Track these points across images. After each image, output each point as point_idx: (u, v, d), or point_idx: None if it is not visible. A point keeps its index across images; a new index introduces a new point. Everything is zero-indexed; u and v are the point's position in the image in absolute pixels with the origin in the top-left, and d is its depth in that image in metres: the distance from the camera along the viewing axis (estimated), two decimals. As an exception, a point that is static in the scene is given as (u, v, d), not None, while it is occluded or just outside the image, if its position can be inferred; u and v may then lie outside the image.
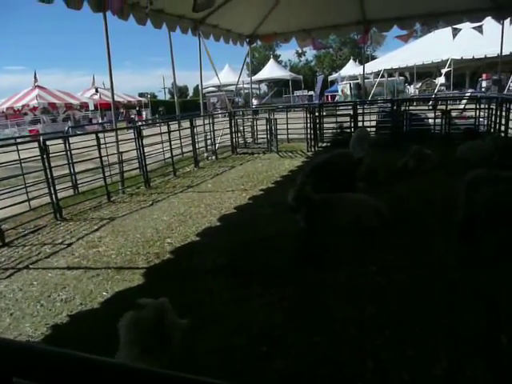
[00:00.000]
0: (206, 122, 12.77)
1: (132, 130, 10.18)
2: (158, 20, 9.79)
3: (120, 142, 8.88)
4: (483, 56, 22.76)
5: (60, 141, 8.75)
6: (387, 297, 3.58)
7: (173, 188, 8.95)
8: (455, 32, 13.11)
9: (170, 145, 10.40)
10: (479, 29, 12.91)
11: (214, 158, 12.39)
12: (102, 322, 3.57)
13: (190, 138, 11.17)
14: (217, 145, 12.83)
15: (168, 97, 59.37)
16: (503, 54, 13.70)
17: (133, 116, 30.97)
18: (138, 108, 33.25)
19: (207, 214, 6.66)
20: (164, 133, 10.84)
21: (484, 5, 11.59)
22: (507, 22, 12.11)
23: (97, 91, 32.74)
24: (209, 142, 12.65)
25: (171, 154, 10.39)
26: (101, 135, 8.61)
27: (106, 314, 3.75)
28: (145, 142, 9.47)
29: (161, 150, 10.94)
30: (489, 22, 12.98)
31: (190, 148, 11.32)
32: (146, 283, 4.34)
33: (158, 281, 4.36)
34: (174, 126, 12.47)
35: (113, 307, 3.86)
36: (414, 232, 5.05)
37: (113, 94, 9.04)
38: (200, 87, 14.48)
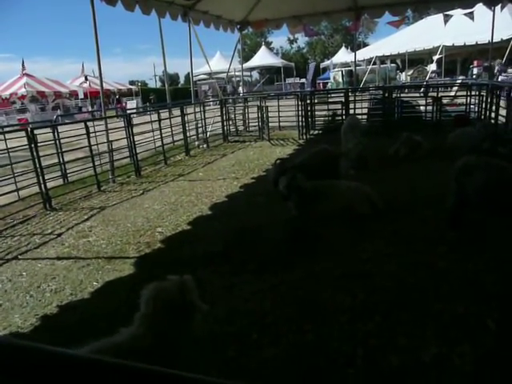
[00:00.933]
0: (197, 109, 12.67)
1: (122, 119, 10.08)
2: (146, 6, 9.60)
3: (110, 131, 8.79)
4: (474, 43, 22.76)
5: (49, 130, 8.64)
6: (378, 284, 3.60)
7: (164, 177, 8.89)
8: (446, 18, 13.06)
9: (161, 133, 10.30)
10: (470, 15, 12.86)
11: (205, 146, 12.32)
12: (92, 312, 3.56)
13: (181, 127, 11.08)
14: (208, 133, 12.73)
15: (159, 85, 58.82)
16: (494, 40, 13.68)
17: (124, 104, 30.61)
18: (118, 96, 32.24)
19: (198, 203, 6.64)
20: (154, 121, 10.75)
21: (475, -9, 11.56)
22: (498, 8, 12.07)
23: (86, 79, 32.37)
24: (200, 130, 12.56)
25: (162, 142, 10.31)
26: (90, 124, 8.50)
27: (97, 303, 3.75)
28: (135, 130, 9.38)
29: (151, 138, 10.85)
30: (480, 9, 12.94)
31: (181, 136, 11.24)
32: (137, 272, 4.32)
33: (148, 270, 4.33)
34: (164, 114, 12.36)
35: (103, 297, 3.86)
36: (405, 219, 5.07)
37: (101, 82, 8.91)
38: (190, 75, 14.34)
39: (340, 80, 32.94)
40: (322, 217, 5.11)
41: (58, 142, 8.35)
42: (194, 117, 12.40)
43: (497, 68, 23.34)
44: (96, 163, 8.26)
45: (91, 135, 8.14)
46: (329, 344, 2.89)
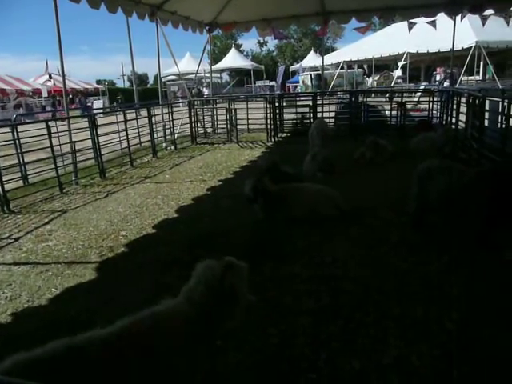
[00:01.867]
0: (165, 111, 12.50)
1: (86, 119, 9.82)
2: (112, 4, 9.36)
3: (74, 131, 8.54)
4: (437, 50, 23.52)
5: (8, 129, 8.31)
6: (341, 287, 3.63)
7: (129, 179, 8.71)
8: (411, 26, 13.44)
9: (127, 134, 10.09)
10: (433, 24, 13.28)
11: (172, 147, 12.17)
12: (49, 320, 3.43)
13: (148, 128, 10.90)
14: (176, 134, 12.59)
15: (127, 84, 57.81)
16: (455, 49, 14.18)
17: (89, 104, 29.89)
18: (71, 96, 30.95)
19: (164, 206, 6.53)
20: (121, 122, 10.52)
21: (437, 0, 11.95)
22: (459, 17, 12.52)
23: (50, 77, 31.47)
24: (168, 131, 12.40)
25: (128, 143, 10.10)
26: (52, 124, 8.24)
27: (55, 311, 3.61)
28: (101, 130, 9.15)
29: (118, 139, 10.62)
30: (442, 18, 13.38)
31: (149, 138, 11.06)
32: (98, 278, 4.20)
33: (111, 275, 4.23)
34: (132, 114, 12.15)
35: (62, 304, 3.72)
36: (369, 222, 5.15)
37: (64, 80, 8.69)
38: (158, 75, 14.14)
39: (309, 83, 33.36)
40: (288, 220, 5.12)
41: (17, 142, 8.03)
42: (161, 118, 12.23)
43: (443, 75, 24.33)
44: (58, 164, 8.00)
45: (54, 135, 7.88)
46: (292, 348, 2.88)
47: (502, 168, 4.16)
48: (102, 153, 9.06)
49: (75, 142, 8.45)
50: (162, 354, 1.91)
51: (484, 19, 13.15)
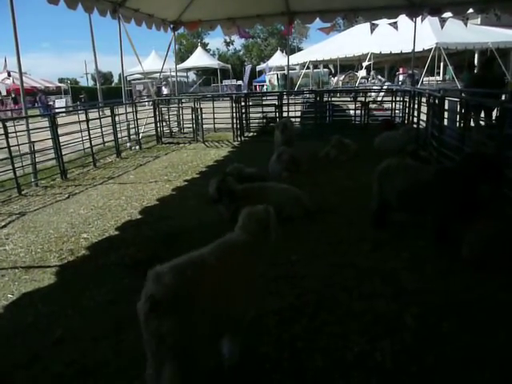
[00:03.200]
0: (130, 110, 12.26)
1: (46, 118, 9.50)
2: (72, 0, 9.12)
3: (34, 131, 8.24)
4: (399, 51, 24.09)
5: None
6: (306, 286, 3.65)
7: (92, 180, 8.49)
8: (373, 27, 13.77)
9: (89, 134, 9.82)
10: (395, 25, 13.63)
11: (137, 147, 11.95)
12: (4, 326, 3.29)
13: (112, 127, 10.66)
14: (140, 134, 12.36)
15: (91, 83, 56.47)
16: (416, 50, 14.59)
17: (51, 103, 28.94)
18: (14, 95, 28.29)
19: (128, 207, 6.40)
20: (83, 121, 10.24)
21: (399, 2, 12.28)
22: (419, 20, 12.90)
23: (9, 75, 30.25)
24: (132, 131, 12.16)
25: (90, 143, 9.84)
26: (9, 123, 7.92)
27: (11, 317, 3.47)
28: (63, 130, 8.87)
29: (80, 139, 10.33)
30: (404, 20, 13.73)
31: (113, 137, 10.81)
32: (58, 282, 4.06)
33: (71, 279, 4.10)
34: (96, 113, 11.86)
35: (19, 310, 3.58)
36: (333, 220, 5.22)
37: (21, 78, 8.37)
38: (122, 74, 13.83)
39: (275, 83, 33.53)
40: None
41: (-29, 142, 7.68)
42: (125, 117, 11.98)
43: (401, 77, 25.24)
44: (17, 165, 7.70)
45: (12, 135, 7.58)
46: (257, 349, 2.88)
47: (459, 166, 4.29)
48: (64, 153, 8.79)
49: (34, 142, 8.16)
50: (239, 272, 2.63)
51: (443, 21, 13.64)
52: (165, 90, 29.31)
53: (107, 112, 11.69)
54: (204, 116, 12.94)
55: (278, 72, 34.38)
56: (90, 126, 9.88)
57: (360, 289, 3.54)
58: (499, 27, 25.53)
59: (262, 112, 13.73)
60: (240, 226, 2.98)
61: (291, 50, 28.35)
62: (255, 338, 2.97)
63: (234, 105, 12.61)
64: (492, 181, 3.96)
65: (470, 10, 12.91)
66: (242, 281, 2.62)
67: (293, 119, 12.16)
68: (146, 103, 17.92)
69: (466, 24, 14.03)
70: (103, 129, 10.92)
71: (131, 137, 12.14)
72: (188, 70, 40.94)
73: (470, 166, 3.92)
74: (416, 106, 10.60)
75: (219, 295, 2.36)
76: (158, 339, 2.11)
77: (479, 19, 24.11)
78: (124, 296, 3.67)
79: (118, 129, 11.04)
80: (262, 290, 3.13)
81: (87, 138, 9.90)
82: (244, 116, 13.17)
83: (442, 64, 25.65)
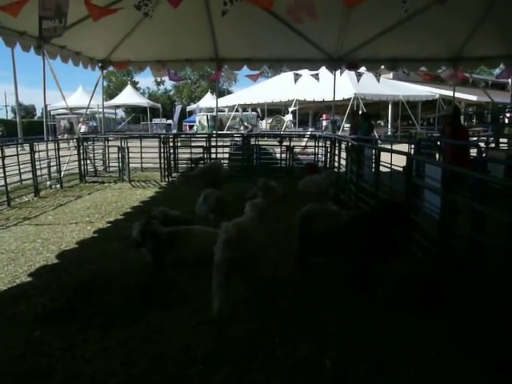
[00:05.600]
0: (52, 147, 11.73)
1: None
2: (-9, 33, 8.77)
3: None
4: (322, 99, 25.85)
5: None
6: (229, 332, 3.63)
7: (5, 220, 7.89)
8: (296, 77, 14.70)
9: (4, 171, 9.22)
10: (316, 77, 14.65)
11: (58, 186, 11.37)
12: None
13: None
14: (62, 172, 11.81)
15: (11, 116, 53.34)
16: (336, 99, 15.73)
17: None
18: None
19: (44, 251, 6.01)
20: (-3, 157, 9.58)
21: (319, 56, 13.32)
22: (338, 72, 14.02)
23: None
24: (53, 168, 11.59)
25: (5, 181, 9.21)
26: None
27: None
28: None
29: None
30: (325, 71, 14.81)
31: (31, 175, 10.22)
32: (-44, 338, 3.67)
33: (-28, 334, 3.72)
34: (13, 149, 11.19)
35: None
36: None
37: None
38: (44, 109, 13.33)
39: (205, 124, 33.96)
40: (178, 264, 5.05)
41: None
42: (46, 154, 11.43)
43: (325, 123, 27.30)
44: None
45: None
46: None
47: (373, 211, 4.60)
48: (-28, 192, 8.15)
49: None
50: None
51: (359, 75, 14.91)
52: (83, 128, 27.85)
53: (27, 148, 11.08)
54: (131, 155, 12.70)
55: (208, 113, 34.97)
56: (6, 162, 9.29)
57: (282, 332, 3.58)
58: (408, 82, 28.56)
59: (191, 153, 13.78)
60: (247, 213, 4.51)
61: (221, 93, 29.15)
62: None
63: (162, 145, 12.57)
64: (401, 225, 4.29)
65: (382, 67, 14.41)
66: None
67: (221, 160, 12.37)
68: (71, 141, 17.23)
69: (378, 80, 15.46)
70: (21, 166, 10.31)
71: (52, 175, 11.55)
72: (117, 107, 40.29)
73: (381, 212, 4.22)
74: (337, 152, 11.25)
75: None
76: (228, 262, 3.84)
77: (391, 74, 26.67)
78: (31, 349, 3.40)
79: (38, 166, 10.48)
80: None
81: (2, 175, 9.27)
82: (172, 156, 13.13)
83: (360, 112, 27.74)
